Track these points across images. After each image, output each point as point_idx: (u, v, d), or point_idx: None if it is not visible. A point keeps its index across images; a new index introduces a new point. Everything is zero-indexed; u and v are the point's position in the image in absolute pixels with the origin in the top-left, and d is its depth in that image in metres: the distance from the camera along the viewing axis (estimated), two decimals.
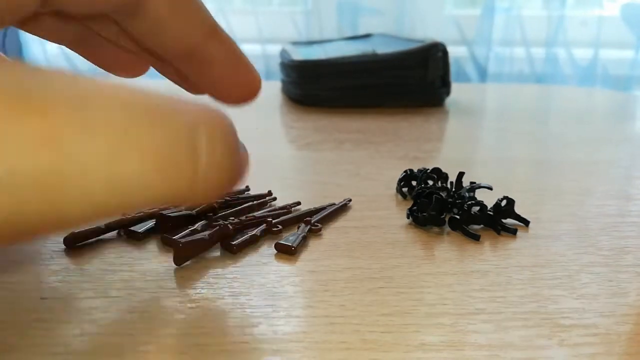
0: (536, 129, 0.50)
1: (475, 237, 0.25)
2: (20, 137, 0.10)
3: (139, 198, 0.11)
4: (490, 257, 0.23)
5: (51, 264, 0.22)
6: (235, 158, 0.14)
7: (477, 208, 0.26)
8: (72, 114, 0.10)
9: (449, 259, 0.23)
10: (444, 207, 0.26)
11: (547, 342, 0.17)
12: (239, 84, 0.21)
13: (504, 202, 0.26)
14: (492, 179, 0.31)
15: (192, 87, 0.21)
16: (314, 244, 0.24)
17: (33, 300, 0.19)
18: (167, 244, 0.24)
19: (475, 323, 0.18)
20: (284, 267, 0.22)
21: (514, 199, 0.27)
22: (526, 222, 0.27)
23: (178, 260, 0.22)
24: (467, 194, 0.28)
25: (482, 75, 1.08)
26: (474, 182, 0.30)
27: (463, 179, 0.30)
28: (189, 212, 0.26)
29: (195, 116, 0.12)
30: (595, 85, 1.08)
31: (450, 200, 0.27)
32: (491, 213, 0.26)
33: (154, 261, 0.22)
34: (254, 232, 0.24)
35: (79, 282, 0.21)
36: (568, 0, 1.07)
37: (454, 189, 0.30)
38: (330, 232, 0.26)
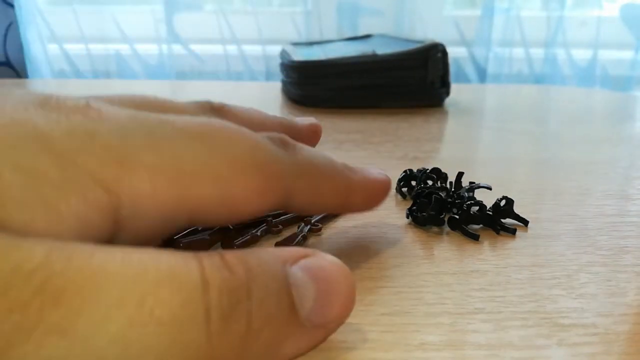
0: (535, 129, 0.50)
1: (475, 237, 0.25)
2: (28, 327, 0.10)
3: None
4: (489, 256, 0.23)
5: None
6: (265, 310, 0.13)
7: (477, 208, 0.26)
8: (85, 299, 0.11)
9: (448, 258, 0.23)
10: (443, 207, 0.26)
11: (546, 341, 0.18)
12: (376, 201, 0.22)
13: (503, 202, 0.27)
14: (491, 179, 0.31)
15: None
16: (314, 244, 0.24)
17: None
18: (167, 244, 0.24)
19: (474, 322, 0.18)
20: None
21: (513, 199, 0.27)
22: (525, 222, 0.27)
23: None
24: (466, 194, 0.28)
25: (482, 75, 1.08)
26: (473, 182, 0.30)
27: (462, 179, 0.30)
28: None
29: (206, 274, 0.13)
30: (595, 85, 1.08)
31: (450, 200, 0.27)
32: (490, 213, 0.26)
33: None
34: (254, 232, 0.24)
35: None
36: (567, 1, 1.07)
37: (453, 189, 0.30)
38: (330, 232, 0.26)
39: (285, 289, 0.14)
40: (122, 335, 0.11)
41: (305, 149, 0.19)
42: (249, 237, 0.24)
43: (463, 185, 0.30)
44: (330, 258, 0.16)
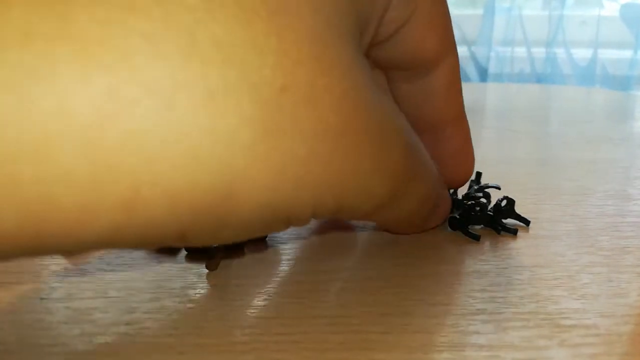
0: (536, 129, 0.50)
1: (475, 237, 0.25)
2: None
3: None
4: (490, 257, 0.23)
5: (50, 264, 0.22)
6: None
7: (477, 208, 0.26)
8: None
9: (449, 259, 0.23)
10: None
11: (548, 342, 0.17)
12: (456, 173, 0.23)
13: (504, 202, 0.26)
14: (492, 178, 0.31)
15: None
16: (313, 244, 0.24)
17: (32, 301, 0.19)
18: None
19: (475, 323, 0.18)
20: (284, 268, 0.22)
21: (514, 199, 0.27)
22: (526, 222, 0.27)
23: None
24: (475, 195, 0.28)
25: (483, 75, 1.08)
26: (472, 182, 0.30)
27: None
28: None
29: None
30: (595, 84, 1.08)
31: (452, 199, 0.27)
32: (491, 213, 0.26)
33: (153, 261, 0.22)
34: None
35: (79, 283, 0.21)
36: (568, 0, 1.07)
37: (454, 190, 0.30)
38: (331, 232, 0.26)
39: None
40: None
41: None
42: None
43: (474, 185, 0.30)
44: None
